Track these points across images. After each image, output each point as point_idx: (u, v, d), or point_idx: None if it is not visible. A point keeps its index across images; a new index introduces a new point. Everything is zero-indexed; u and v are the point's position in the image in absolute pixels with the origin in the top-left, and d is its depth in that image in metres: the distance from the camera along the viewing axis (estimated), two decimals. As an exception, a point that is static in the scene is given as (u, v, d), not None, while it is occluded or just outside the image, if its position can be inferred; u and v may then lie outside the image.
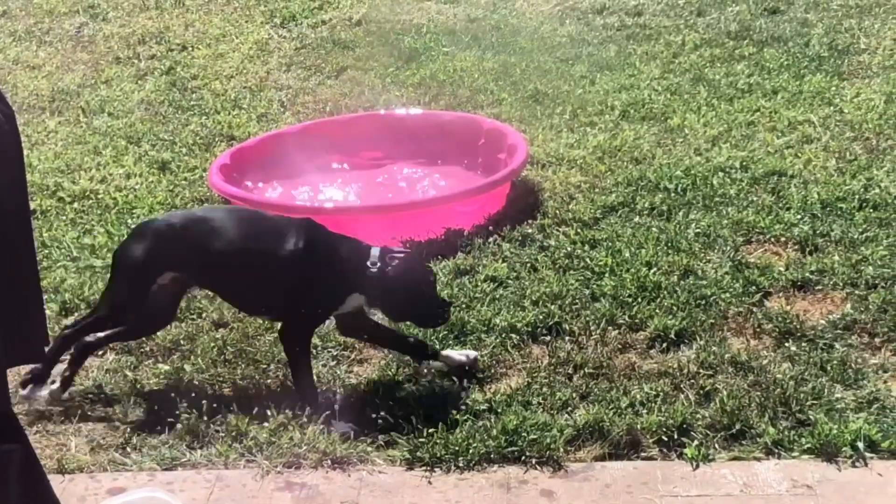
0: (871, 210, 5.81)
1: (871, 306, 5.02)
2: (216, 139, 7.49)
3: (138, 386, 4.89)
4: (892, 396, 4.48)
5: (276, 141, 6.98)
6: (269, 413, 4.60)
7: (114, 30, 10.02)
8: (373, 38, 9.38)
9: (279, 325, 4.94)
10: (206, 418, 4.62)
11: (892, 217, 5.73)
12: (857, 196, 5.95)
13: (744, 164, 6.46)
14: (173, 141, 7.51)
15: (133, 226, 6.16)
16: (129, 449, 4.53)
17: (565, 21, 9.42)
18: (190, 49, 9.42)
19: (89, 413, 4.77)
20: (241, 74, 8.73)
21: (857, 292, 5.15)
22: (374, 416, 4.55)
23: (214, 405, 4.68)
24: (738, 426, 4.36)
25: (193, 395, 4.77)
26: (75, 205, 6.67)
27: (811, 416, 4.38)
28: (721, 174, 6.36)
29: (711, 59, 8.25)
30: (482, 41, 9.06)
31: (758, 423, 4.37)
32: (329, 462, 4.38)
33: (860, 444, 4.22)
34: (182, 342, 5.17)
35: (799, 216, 5.81)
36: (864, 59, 8.00)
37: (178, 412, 4.66)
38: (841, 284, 5.22)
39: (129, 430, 4.63)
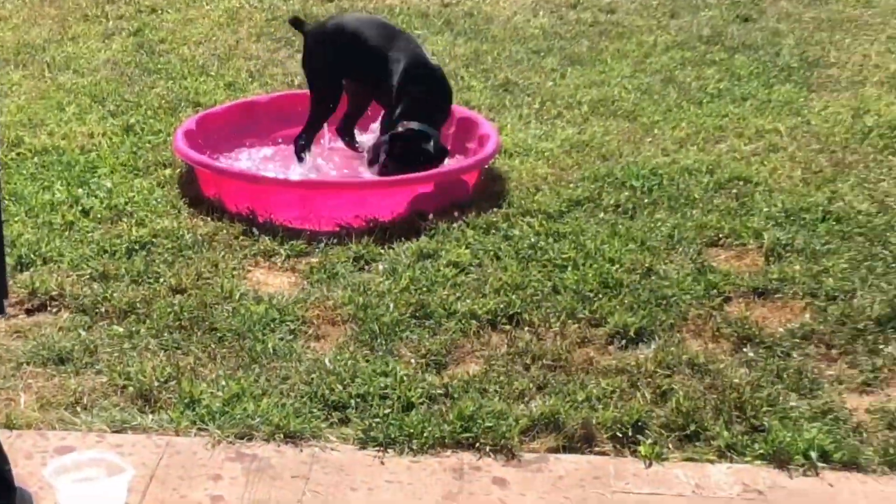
0: (835, 223, 5.83)
1: (829, 318, 5.04)
2: (182, 104, 7.43)
3: (91, 346, 4.84)
4: (846, 408, 4.49)
5: (244, 109, 6.93)
6: (223, 383, 4.58)
7: (83, -14, 9.93)
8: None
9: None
10: (158, 383, 4.58)
11: (855, 231, 5.75)
12: (820, 208, 5.97)
13: (710, 167, 6.46)
14: (139, 103, 7.44)
15: (94, 184, 6.15)
16: (79, 409, 4.48)
17: (538, 13, 9.40)
18: (159, 12, 9.33)
19: (40, 370, 4.71)
20: (210, 41, 8.66)
21: (816, 303, 5.16)
22: (328, 391, 4.53)
23: (168, 371, 4.65)
24: (692, 427, 4.36)
25: (147, 359, 4.74)
26: (36, 159, 6.59)
27: (765, 423, 4.38)
28: (687, 176, 6.36)
29: (682, 61, 8.26)
30: (454, 27, 9.04)
31: (712, 426, 4.36)
32: (282, 436, 4.34)
33: (813, 454, 4.22)
34: (138, 305, 5.12)
35: (762, 223, 5.81)
36: (834, 73, 8.04)
37: (130, 375, 4.62)
38: (801, 294, 5.23)
39: (80, 389, 4.57)
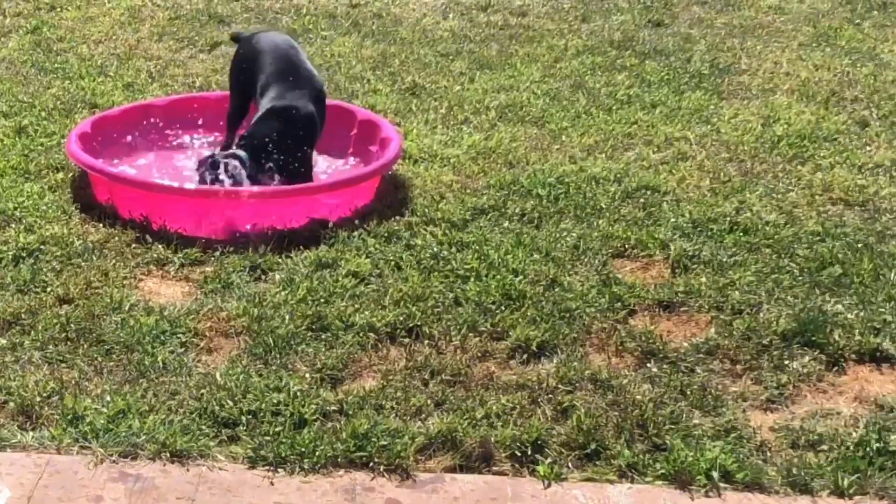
0: (742, 234, 5.76)
1: (734, 332, 4.95)
2: (78, 105, 7.27)
3: (-29, 359, 4.65)
4: (750, 426, 4.41)
5: (142, 112, 6.75)
6: (108, 398, 4.42)
7: (-21, -17, 9.76)
8: (250, 14, 9.22)
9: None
10: (41, 398, 4.41)
11: (762, 242, 5.68)
12: (728, 218, 5.90)
13: (618, 176, 6.38)
14: (33, 104, 7.27)
15: None
16: (-45, 426, 4.30)
17: (448, 15, 9.34)
18: (59, 9, 9.18)
19: (-87, 384, 4.51)
20: (110, 40, 8.51)
21: (722, 317, 5.07)
22: (218, 408, 4.37)
23: (51, 385, 4.48)
24: (593, 446, 4.26)
25: (30, 372, 4.57)
26: (-79, 162, 6.39)
27: (668, 441, 4.29)
28: (594, 184, 6.27)
29: (593, 66, 8.20)
30: (362, 28, 8.95)
31: (613, 445, 4.27)
32: (168, 454, 4.19)
33: (715, 474, 4.13)
34: (23, 316, 4.96)
35: (669, 234, 5.73)
36: (745, 80, 8.01)
37: (11, 390, 4.45)
38: (706, 307, 5.14)
39: (-43, 405, 4.39)
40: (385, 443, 4.24)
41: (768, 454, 4.28)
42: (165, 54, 8.30)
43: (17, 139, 6.73)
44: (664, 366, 4.75)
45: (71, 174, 6.24)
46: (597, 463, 4.22)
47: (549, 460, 4.21)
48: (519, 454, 4.24)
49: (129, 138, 6.57)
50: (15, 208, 5.86)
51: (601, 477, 4.16)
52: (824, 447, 4.30)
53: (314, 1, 9.59)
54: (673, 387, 4.60)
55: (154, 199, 5.74)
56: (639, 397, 4.51)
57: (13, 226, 5.70)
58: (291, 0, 9.59)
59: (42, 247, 5.51)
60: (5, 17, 8.97)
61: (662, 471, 4.16)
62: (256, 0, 9.55)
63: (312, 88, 6.27)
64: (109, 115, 6.68)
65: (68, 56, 8.18)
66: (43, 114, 7.11)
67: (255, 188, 5.87)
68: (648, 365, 4.76)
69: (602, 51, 8.53)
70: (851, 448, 4.28)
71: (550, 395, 4.53)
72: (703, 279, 5.34)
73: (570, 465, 4.21)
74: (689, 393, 4.57)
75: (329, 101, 6.82)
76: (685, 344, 4.90)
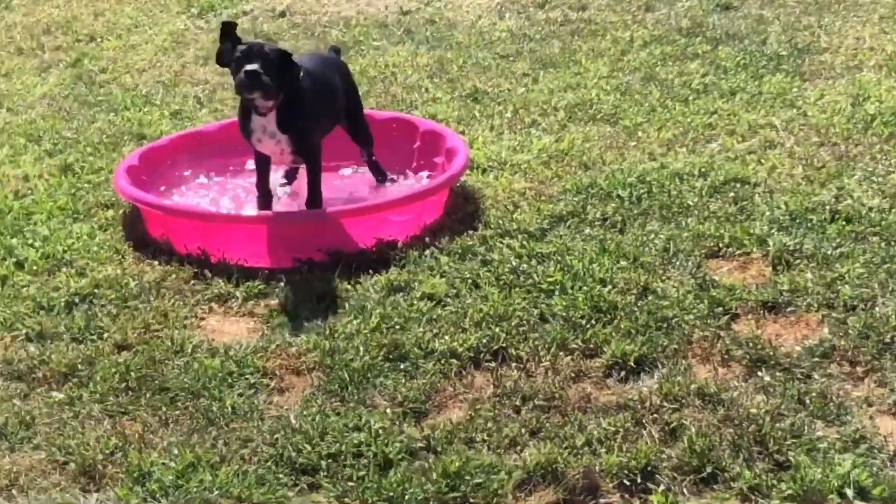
0: (845, 223, 5.51)
1: (850, 331, 4.67)
2: (125, 138, 7.12)
3: (28, 417, 4.45)
4: (880, 434, 4.12)
5: (191, 141, 6.52)
6: (175, 451, 4.20)
7: (17, 18, 9.78)
8: (298, 30, 9.15)
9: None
10: (103, 456, 4.20)
11: (868, 231, 5.42)
12: (828, 207, 5.65)
13: (703, 170, 6.15)
14: (77, 139, 7.12)
15: (29, 232, 5.80)
16: (14, 491, 4.14)
17: (505, 15, 9.21)
18: (99, 40, 9.15)
19: (-31, 448, 4.34)
20: (154, 68, 8.44)
21: (834, 315, 4.80)
22: (295, 453, 4.13)
23: (114, 441, 4.27)
24: (709, 468, 4.01)
25: (90, 428, 4.36)
26: (-33, 207, 6.26)
27: (791, 458, 4.02)
28: (678, 181, 6.04)
29: (662, 56, 8.04)
30: (416, 35, 8.85)
31: (731, 465, 4.01)
32: (244, 509, 3.99)
33: (849, 491, 3.87)
34: (80, 367, 4.75)
35: (766, 229, 5.47)
36: (826, 59, 7.80)
37: (71, 449, 4.24)
38: (816, 306, 4.87)
39: (15, 469, 4.20)
40: (480, 480, 4.03)
41: (905, 464, 4.02)
42: (213, 78, 8.19)
43: (62, 178, 6.58)
44: (777, 373, 4.50)
45: (122, 211, 6.07)
46: (714, 487, 3.98)
47: (662, 487, 3.98)
48: (628, 483, 4.02)
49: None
50: (65, 251, 5.68)
51: (722, 501, 3.93)
52: (967, 451, 4.05)
53: (363, 11, 9.53)
54: (790, 396, 4.34)
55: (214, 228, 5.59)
56: (753, 410, 4.27)
57: (64, 270, 5.52)
58: (339, 12, 9.53)
59: (96, 290, 5.33)
60: (44, 51, 8.94)
61: (789, 491, 3.91)
62: (303, 15, 9.50)
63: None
64: (157, 145, 6.49)
65: (111, 87, 8.12)
66: (88, 149, 6.98)
67: (324, 210, 5.66)
68: (759, 373, 4.51)
69: (671, 39, 8.38)
70: None
71: (655, 415, 4.30)
72: (809, 275, 5.09)
73: (685, 491, 3.98)
74: (808, 402, 4.31)
75: (388, 114, 6.72)
76: (797, 347, 4.65)
